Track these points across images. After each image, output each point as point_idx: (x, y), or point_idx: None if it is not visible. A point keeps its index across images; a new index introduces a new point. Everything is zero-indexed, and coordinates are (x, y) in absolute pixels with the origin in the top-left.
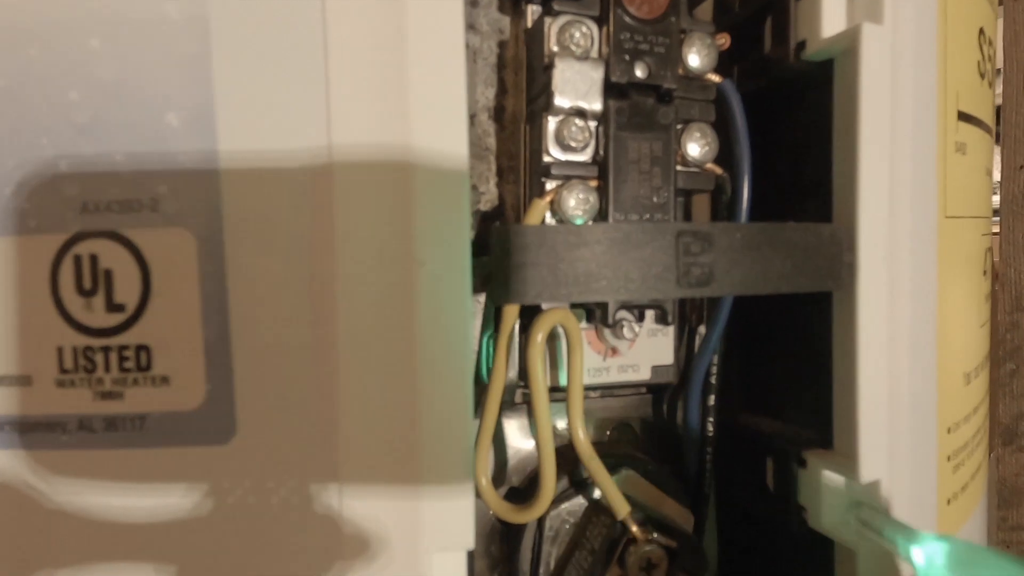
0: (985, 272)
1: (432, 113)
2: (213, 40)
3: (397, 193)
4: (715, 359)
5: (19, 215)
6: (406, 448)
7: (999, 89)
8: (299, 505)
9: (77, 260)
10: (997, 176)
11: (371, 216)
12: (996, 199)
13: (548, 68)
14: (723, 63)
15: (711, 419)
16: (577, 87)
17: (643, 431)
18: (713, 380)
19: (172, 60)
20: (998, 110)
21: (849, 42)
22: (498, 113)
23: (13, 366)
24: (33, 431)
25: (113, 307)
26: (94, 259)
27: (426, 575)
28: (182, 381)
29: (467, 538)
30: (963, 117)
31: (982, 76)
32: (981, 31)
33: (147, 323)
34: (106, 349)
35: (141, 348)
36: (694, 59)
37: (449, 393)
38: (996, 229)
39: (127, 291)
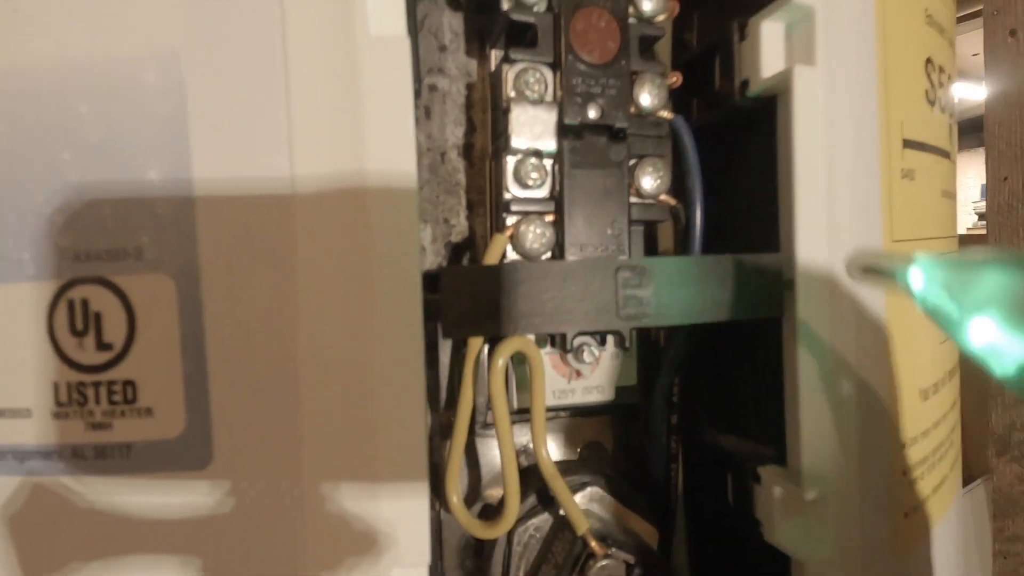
0: None
1: (384, 165)
2: (188, 102)
3: (354, 236)
4: (677, 380)
5: (18, 264)
6: (365, 472)
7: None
8: (267, 524)
9: (71, 304)
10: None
11: (330, 257)
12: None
13: (506, 112)
14: (683, 98)
15: (675, 437)
16: (533, 129)
17: (614, 449)
18: (675, 399)
19: (152, 121)
20: (982, 123)
21: (785, 82)
22: (467, 150)
23: (14, 400)
24: (32, 458)
25: (102, 346)
26: (85, 303)
27: None
28: (164, 412)
29: (424, 555)
30: (910, 145)
31: (932, 103)
32: (929, 60)
33: (133, 360)
34: (96, 384)
35: (127, 383)
36: (645, 98)
37: (405, 420)
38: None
39: (115, 331)
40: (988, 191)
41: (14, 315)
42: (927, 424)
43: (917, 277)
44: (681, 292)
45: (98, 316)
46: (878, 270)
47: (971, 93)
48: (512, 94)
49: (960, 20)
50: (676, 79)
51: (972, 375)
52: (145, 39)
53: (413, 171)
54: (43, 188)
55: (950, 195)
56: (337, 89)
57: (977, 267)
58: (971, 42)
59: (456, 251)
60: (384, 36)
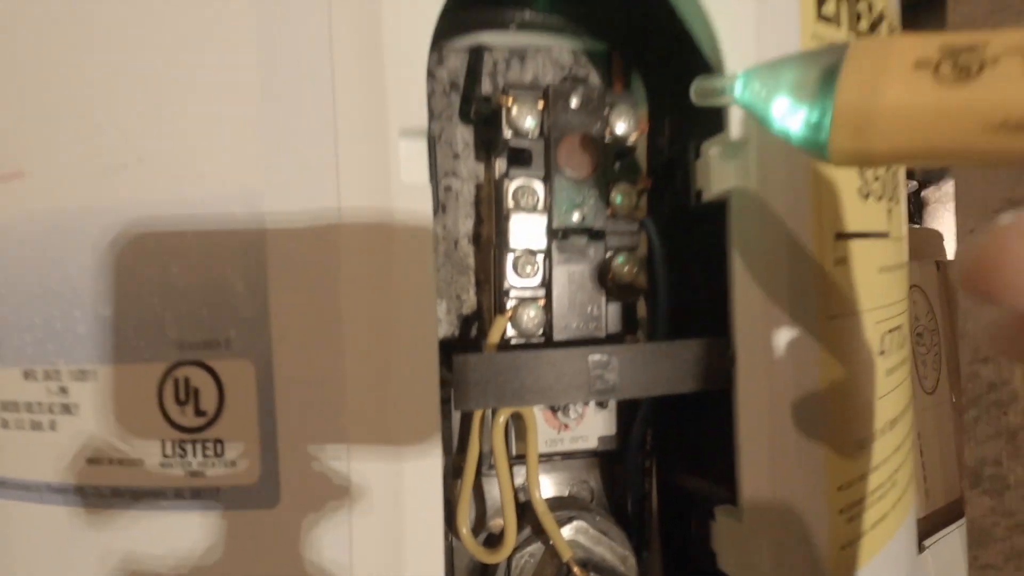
0: (883, 352)
1: (409, 270)
2: (267, 231)
3: (387, 323)
4: (650, 431)
5: (136, 350)
6: (395, 508)
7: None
8: (322, 550)
9: (176, 381)
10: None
11: (368, 343)
12: None
13: (506, 218)
14: (658, 188)
15: (648, 479)
16: (527, 232)
17: (599, 488)
18: (648, 448)
19: (239, 246)
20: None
21: (727, 196)
22: (476, 239)
23: (133, 452)
24: (143, 497)
25: (199, 413)
26: (187, 380)
27: None
28: (244, 464)
29: (438, 567)
30: (842, 236)
31: (866, 196)
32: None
33: (221, 424)
34: (194, 442)
35: (217, 441)
36: (620, 203)
37: (424, 466)
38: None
39: (209, 402)
40: (957, 243)
41: (134, 388)
42: (863, 470)
43: (738, 85)
44: (640, 372)
45: (196, 390)
46: (709, 87)
47: None
48: (511, 204)
49: None
50: (646, 184)
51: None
52: (235, 182)
53: (431, 275)
54: (158, 295)
55: (889, 269)
56: (376, 221)
57: (776, 66)
58: None
59: (466, 322)
60: (412, 183)
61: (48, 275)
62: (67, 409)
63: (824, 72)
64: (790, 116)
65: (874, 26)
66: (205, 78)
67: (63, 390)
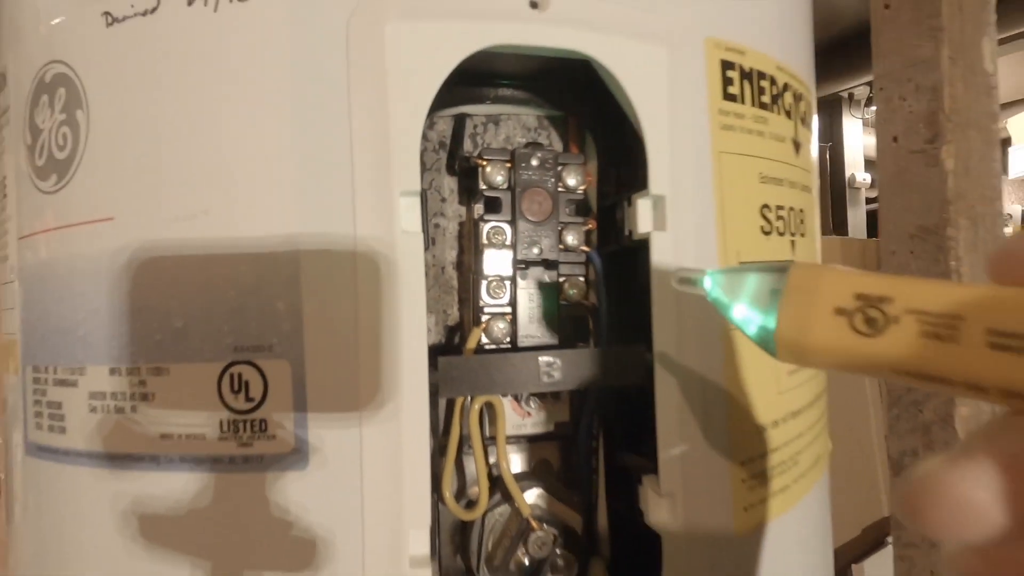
0: None
1: (407, 297)
2: (301, 266)
3: (390, 332)
4: (597, 417)
5: (201, 352)
6: (394, 472)
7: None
8: (341, 498)
9: (231, 375)
10: None
11: (376, 348)
12: None
13: (480, 253)
14: (603, 232)
15: (596, 457)
16: (497, 264)
17: (558, 464)
18: (595, 431)
19: (281, 277)
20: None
21: (648, 236)
22: (459, 265)
23: (197, 429)
24: (204, 463)
25: (248, 399)
26: (239, 375)
27: (404, 547)
28: (282, 437)
29: (426, 520)
30: (741, 264)
31: (767, 234)
32: (764, 206)
33: (266, 408)
34: (245, 421)
35: (262, 420)
36: (570, 239)
37: (417, 442)
38: None
39: (256, 391)
40: (880, 267)
41: (199, 381)
42: (764, 449)
43: (708, 282)
44: (579, 371)
45: (247, 383)
46: (687, 280)
47: None
48: (485, 241)
49: None
50: (592, 226)
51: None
52: (278, 230)
53: (423, 299)
54: (219, 311)
55: None
56: (383, 258)
57: (741, 273)
58: None
59: (451, 331)
60: (408, 230)
61: (132, 298)
62: (145, 397)
63: (771, 294)
64: (746, 320)
65: (775, 99)
66: (256, 154)
67: (142, 382)
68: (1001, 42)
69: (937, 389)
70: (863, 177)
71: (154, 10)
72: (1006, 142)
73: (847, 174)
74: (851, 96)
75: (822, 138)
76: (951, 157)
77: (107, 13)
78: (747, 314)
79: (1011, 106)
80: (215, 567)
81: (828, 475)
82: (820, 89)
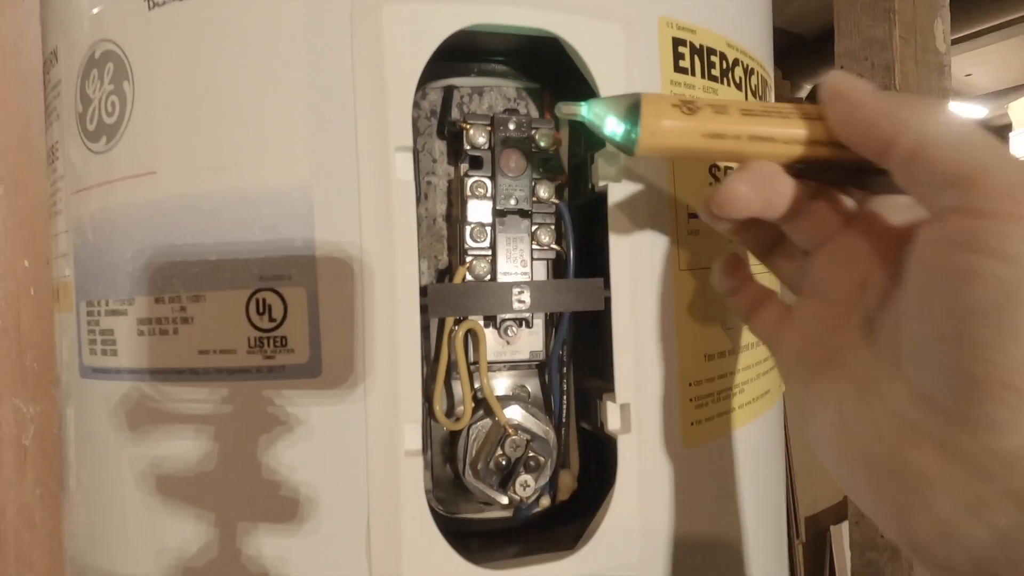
0: None
1: (402, 234)
2: (315, 207)
3: (388, 267)
4: (565, 347)
5: (232, 281)
6: (391, 384)
7: None
8: (349, 403)
9: (257, 300)
10: None
11: (376, 278)
12: None
13: (465, 203)
14: (574, 186)
15: (566, 380)
16: (479, 213)
17: (533, 388)
18: (564, 359)
19: (296, 216)
20: None
21: (606, 188)
22: (448, 218)
23: (226, 344)
24: (236, 373)
25: (271, 319)
26: (264, 299)
27: (399, 440)
28: (300, 351)
29: (417, 414)
30: (693, 216)
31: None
32: (714, 165)
33: (286, 327)
34: (269, 337)
35: (283, 337)
36: (542, 192)
37: (410, 364)
38: None
39: (277, 313)
40: None
41: (230, 306)
42: (712, 374)
43: (584, 109)
44: (547, 297)
45: (270, 306)
46: (569, 110)
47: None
48: (469, 194)
49: (953, 42)
50: (563, 180)
51: None
52: (295, 178)
53: (414, 235)
54: (246, 247)
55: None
56: (383, 202)
57: (603, 101)
58: (964, 63)
59: (440, 274)
60: (403, 179)
61: (173, 238)
62: (185, 320)
63: (631, 107)
64: (615, 128)
65: (725, 72)
66: (276, 114)
67: (183, 308)
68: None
69: (717, 147)
70: None
71: None
72: (1007, 128)
73: None
74: None
75: None
76: None
77: None
78: (615, 126)
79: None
80: (242, 461)
81: (781, 410)
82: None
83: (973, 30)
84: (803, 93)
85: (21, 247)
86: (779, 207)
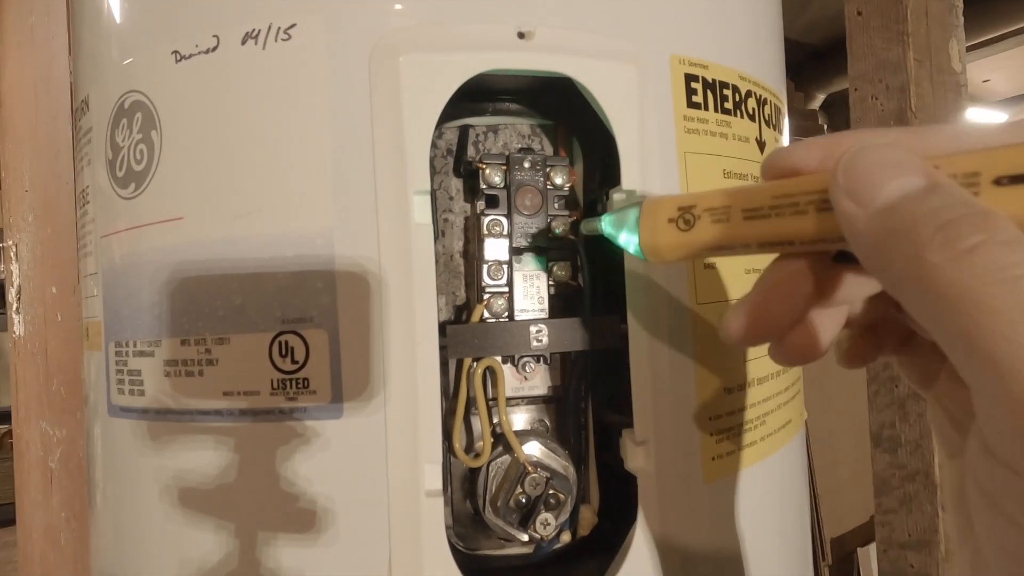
0: None
1: (420, 275)
2: (335, 252)
3: (408, 309)
4: (584, 381)
5: (256, 324)
6: (412, 424)
7: None
8: (369, 440)
9: (280, 343)
10: None
11: (396, 320)
12: None
13: (482, 241)
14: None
15: (585, 416)
16: (496, 251)
17: (552, 422)
18: (583, 393)
19: (319, 261)
20: None
21: None
22: (465, 254)
23: (253, 387)
24: (259, 414)
25: (294, 362)
26: (286, 342)
27: (420, 480)
28: (322, 392)
29: (438, 455)
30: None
31: None
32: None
33: (308, 368)
34: (291, 380)
35: (305, 379)
36: (558, 228)
37: (429, 402)
38: None
39: (300, 355)
40: None
41: (254, 348)
42: (732, 408)
43: (604, 224)
44: (563, 335)
45: (292, 348)
46: (590, 226)
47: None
48: (485, 232)
49: (970, 49)
50: (577, 216)
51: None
52: (317, 224)
53: (433, 277)
54: (270, 290)
55: (756, 269)
56: (401, 245)
57: (616, 215)
58: (982, 69)
59: (458, 309)
60: (421, 223)
61: (199, 282)
62: (211, 362)
63: (635, 221)
64: (627, 242)
65: (738, 105)
66: (298, 161)
67: (208, 351)
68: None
69: (728, 255)
70: None
71: (215, 48)
72: None
73: None
74: None
75: (836, 129)
76: None
77: (176, 52)
78: (627, 238)
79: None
80: (265, 501)
81: (803, 440)
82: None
83: (990, 36)
84: (816, 103)
85: (49, 274)
86: (828, 301)
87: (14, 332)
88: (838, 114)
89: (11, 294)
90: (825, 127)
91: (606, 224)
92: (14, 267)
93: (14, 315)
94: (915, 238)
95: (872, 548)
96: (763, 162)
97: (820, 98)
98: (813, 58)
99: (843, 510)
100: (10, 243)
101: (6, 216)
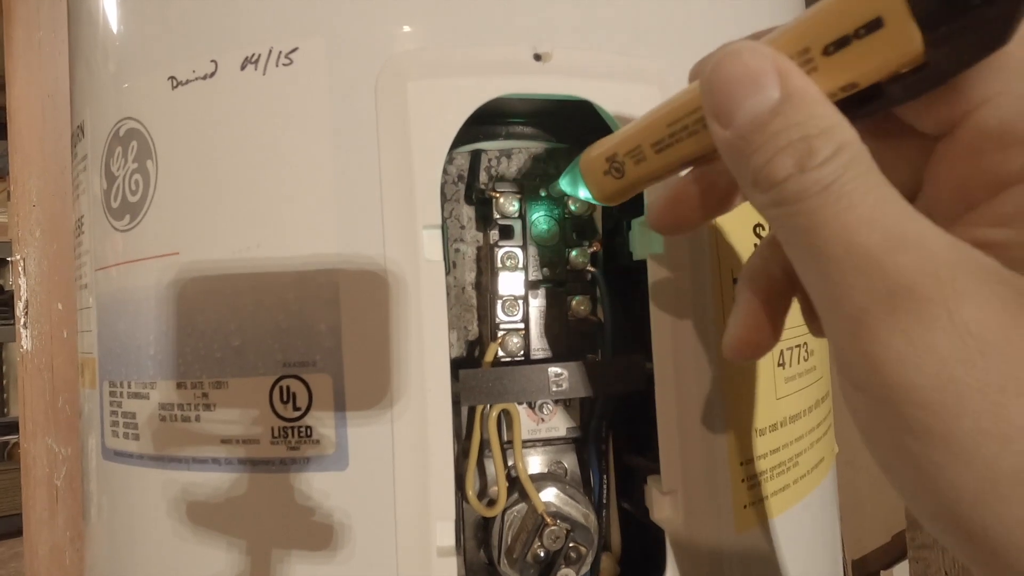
0: (782, 364)
1: (429, 311)
2: (340, 292)
3: (415, 348)
4: (605, 423)
5: (255, 367)
6: (422, 472)
7: None
8: (375, 492)
9: (281, 387)
10: None
11: (402, 362)
12: None
13: (495, 275)
14: (607, 252)
15: (605, 459)
16: (511, 285)
17: (570, 466)
18: (604, 435)
19: (323, 301)
20: None
21: (646, 257)
22: (477, 286)
23: (252, 435)
24: (259, 464)
25: (296, 408)
26: (288, 387)
27: (431, 538)
28: (325, 442)
29: (450, 512)
30: (735, 280)
31: None
32: (759, 224)
33: (311, 416)
34: (293, 428)
35: (307, 427)
36: (576, 261)
37: (441, 448)
38: None
39: (302, 401)
40: None
41: (253, 393)
42: (764, 451)
43: (561, 185)
44: (584, 379)
45: (294, 394)
46: (555, 188)
47: None
48: (499, 266)
49: None
50: (597, 247)
51: None
52: (319, 261)
53: (444, 319)
54: (270, 332)
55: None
56: (410, 283)
57: (567, 173)
58: None
59: (471, 345)
60: (431, 259)
61: (196, 321)
62: (208, 407)
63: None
64: (585, 196)
65: None
66: (300, 194)
67: (204, 395)
68: None
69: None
70: None
71: (213, 75)
72: None
73: None
74: None
75: None
76: None
77: (172, 77)
78: (584, 193)
79: None
80: (265, 557)
81: (835, 477)
82: None
83: None
84: None
85: (55, 291)
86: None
87: (22, 347)
88: None
89: (19, 308)
90: None
91: (564, 185)
92: (22, 281)
93: (22, 329)
94: (754, 168)
95: (896, 570)
96: (691, 70)
97: None
98: None
99: (863, 530)
100: (18, 257)
101: (15, 230)
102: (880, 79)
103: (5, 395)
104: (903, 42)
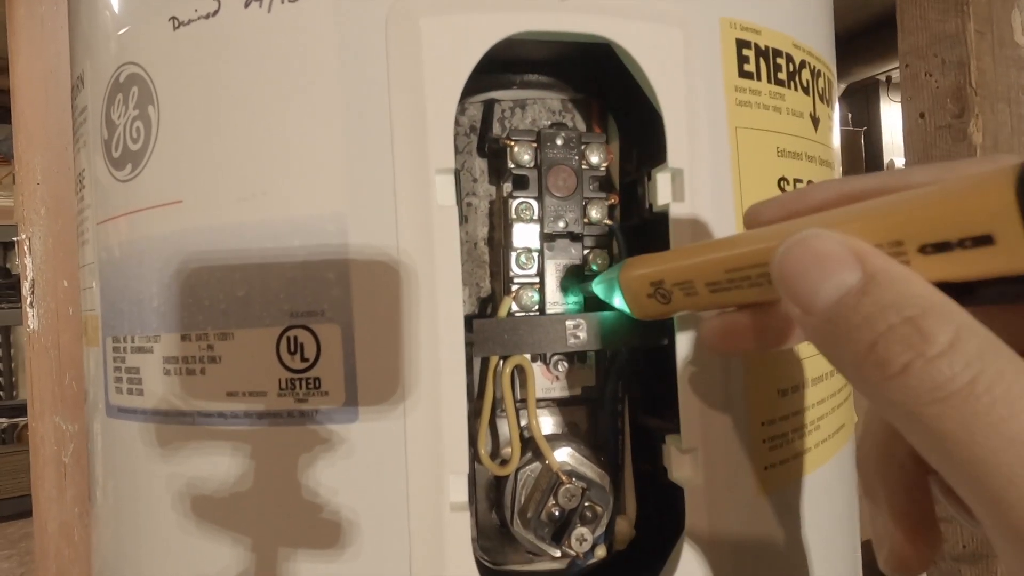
0: None
1: (443, 261)
2: (349, 238)
3: (431, 299)
4: (621, 382)
5: (262, 319)
6: (435, 428)
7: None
8: (387, 449)
9: (288, 338)
10: None
11: (418, 314)
12: None
13: (510, 227)
14: (625, 206)
15: (621, 419)
16: (525, 237)
17: (586, 426)
18: (620, 395)
19: (330, 249)
20: None
21: (667, 208)
22: (490, 241)
23: (259, 387)
24: (265, 417)
25: (304, 359)
26: (296, 337)
27: (444, 492)
28: (335, 394)
29: (464, 465)
30: None
31: None
32: (782, 178)
33: (319, 367)
34: (301, 379)
35: (316, 378)
36: (594, 214)
37: (454, 404)
38: None
39: (310, 352)
40: None
41: (260, 344)
42: (785, 412)
43: (598, 289)
44: (603, 331)
45: (302, 344)
46: (593, 288)
47: None
48: (514, 216)
49: None
50: (614, 200)
51: None
52: (328, 208)
53: (458, 266)
54: (277, 282)
55: None
56: (422, 230)
57: (602, 280)
58: None
59: (483, 302)
60: (444, 205)
61: (200, 272)
62: (213, 360)
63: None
64: (620, 306)
65: (792, 76)
66: (307, 138)
67: (210, 347)
68: None
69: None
70: (902, 163)
71: (215, 13)
72: None
73: (886, 160)
74: (889, 80)
75: (858, 122)
76: (979, 131)
77: (174, 18)
78: (620, 304)
79: None
80: (274, 513)
81: (853, 445)
82: (857, 72)
83: None
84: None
85: (61, 268)
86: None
87: (28, 326)
88: (873, 98)
89: (25, 287)
90: (849, 116)
91: (598, 291)
92: (28, 260)
93: (28, 309)
94: (854, 353)
95: None
96: (744, 213)
97: (841, 87)
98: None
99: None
100: (24, 236)
101: (20, 209)
102: (978, 280)
103: (14, 378)
104: (1015, 261)
